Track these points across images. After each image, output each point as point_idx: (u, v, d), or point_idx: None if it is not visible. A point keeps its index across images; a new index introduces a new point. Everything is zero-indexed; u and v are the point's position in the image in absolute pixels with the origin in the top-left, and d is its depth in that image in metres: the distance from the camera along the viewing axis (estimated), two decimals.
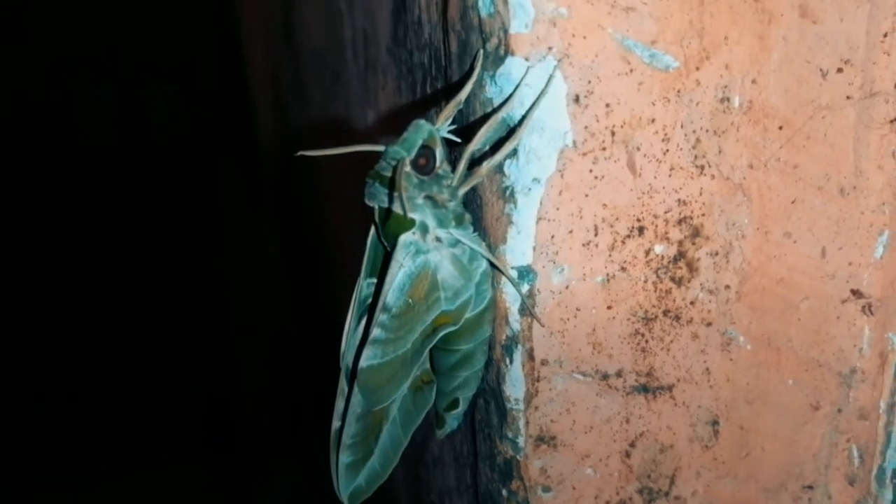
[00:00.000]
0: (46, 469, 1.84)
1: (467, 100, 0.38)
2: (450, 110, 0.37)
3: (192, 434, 1.90)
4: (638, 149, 0.37)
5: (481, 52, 0.37)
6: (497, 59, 0.36)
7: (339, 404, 0.38)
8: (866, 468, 0.44)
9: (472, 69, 0.37)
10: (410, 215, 0.34)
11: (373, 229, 0.38)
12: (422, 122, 0.35)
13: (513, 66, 0.36)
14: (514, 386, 0.40)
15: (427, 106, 0.48)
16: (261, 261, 2.23)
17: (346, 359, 0.38)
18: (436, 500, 0.58)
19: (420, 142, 0.35)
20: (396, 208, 0.35)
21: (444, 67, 0.43)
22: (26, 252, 2.33)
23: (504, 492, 0.43)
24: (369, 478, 0.39)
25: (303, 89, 1.04)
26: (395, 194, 0.34)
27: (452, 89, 0.41)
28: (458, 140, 0.37)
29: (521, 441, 0.41)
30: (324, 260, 1.07)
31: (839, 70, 0.38)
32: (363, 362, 0.36)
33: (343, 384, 0.38)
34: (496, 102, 0.37)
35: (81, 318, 2.27)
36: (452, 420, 0.41)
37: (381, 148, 0.36)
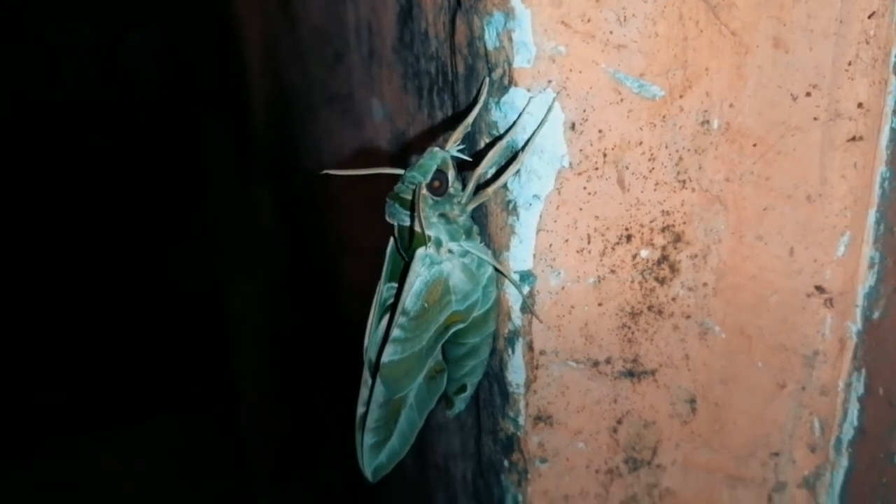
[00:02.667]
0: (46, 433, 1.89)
1: (474, 122, 0.42)
2: (459, 133, 0.41)
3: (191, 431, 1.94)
4: (627, 168, 0.41)
5: (487, 79, 0.41)
6: (502, 87, 0.41)
7: (364, 392, 0.43)
8: (826, 438, 0.50)
9: (478, 95, 0.41)
10: (427, 233, 0.39)
11: (392, 241, 0.42)
12: (436, 149, 0.40)
13: (516, 96, 0.40)
14: (516, 373, 0.45)
15: (434, 112, 0.52)
16: (252, 223, 2.26)
17: (369, 353, 0.43)
18: (440, 463, 0.64)
19: (435, 167, 0.39)
20: (415, 226, 0.40)
21: (450, 83, 0.47)
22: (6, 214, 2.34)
23: (506, 462, 0.49)
24: (390, 455, 0.44)
25: (301, 60, 1.07)
26: (415, 216, 0.38)
27: (459, 112, 0.45)
28: (467, 159, 0.42)
29: (521, 420, 0.46)
30: (320, 232, 1.11)
31: (808, 94, 0.42)
32: (385, 358, 0.41)
33: (366, 375, 0.43)
34: (500, 125, 0.41)
35: (57, 286, 2.29)
36: (461, 402, 0.46)
37: (400, 171, 0.40)
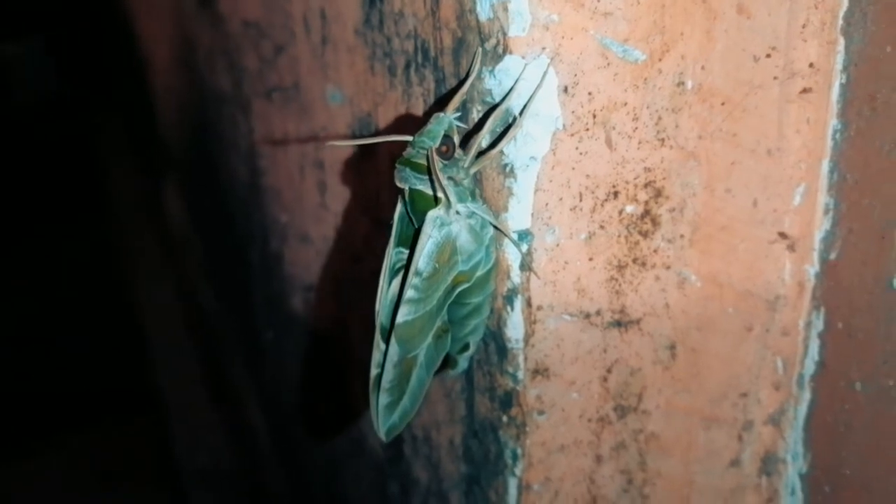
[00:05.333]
0: None
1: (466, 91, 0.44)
2: (456, 101, 0.43)
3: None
4: (614, 128, 0.44)
5: (480, 49, 0.43)
6: (496, 56, 0.43)
7: (376, 355, 0.45)
8: (788, 375, 0.54)
9: (472, 65, 0.44)
10: (444, 195, 0.41)
11: (399, 206, 0.44)
12: (442, 115, 0.42)
13: (511, 64, 0.42)
14: (515, 329, 0.48)
15: (411, 89, 0.54)
16: (161, 225, 2.21)
17: (381, 317, 0.45)
18: (419, 434, 0.66)
19: (442, 132, 0.41)
20: (426, 189, 0.42)
21: (433, 58, 0.49)
22: None
23: (504, 418, 0.51)
24: (402, 415, 0.46)
25: (229, 57, 1.07)
26: (434, 179, 0.40)
27: (445, 84, 0.47)
28: (465, 126, 0.44)
29: (520, 374, 0.49)
30: (254, 223, 1.11)
31: (768, 55, 0.46)
32: (400, 318, 0.43)
33: (378, 339, 0.45)
34: (494, 93, 0.44)
35: None
36: (464, 361, 0.48)
37: (408, 138, 0.42)
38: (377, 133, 0.60)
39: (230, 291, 1.51)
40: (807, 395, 0.54)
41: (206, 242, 1.71)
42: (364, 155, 0.66)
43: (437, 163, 0.41)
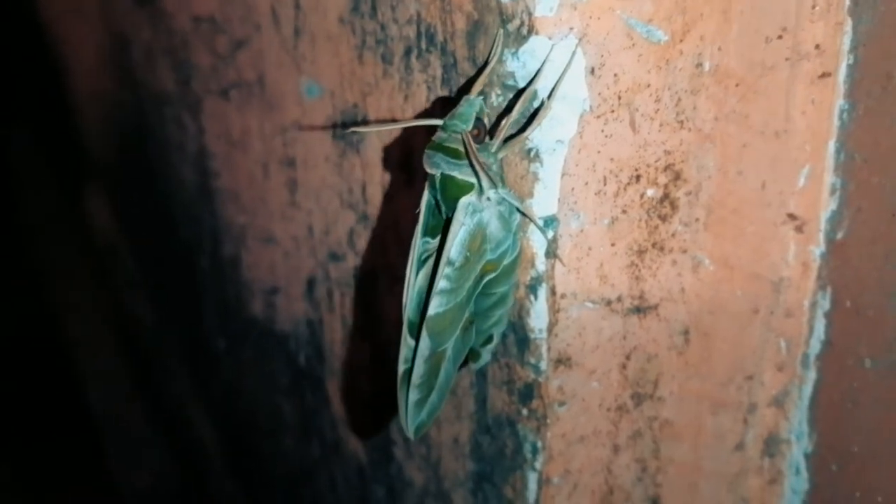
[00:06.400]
0: None
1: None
2: (479, 85, 0.42)
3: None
4: (637, 110, 0.44)
5: (502, 31, 0.42)
6: (520, 38, 0.42)
7: (404, 351, 0.43)
8: (791, 356, 0.55)
9: (493, 48, 0.42)
10: (482, 180, 0.40)
11: (427, 193, 0.42)
12: (472, 97, 0.40)
13: (537, 45, 0.41)
14: (538, 318, 0.46)
15: (411, 76, 0.52)
16: (86, 238, 2.12)
17: (408, 312, 0.43)
18: None
19: (474, 115, 0.40)
20: (459, 175, 0.40)
21: (441, 43, 0.48)
22: None
23: (524, 411, 0.50)
24: (430, 411, 0.44)
25: (175, 54, 1.03)
26: (472, 163, 0.39)
27: (460, 68, 0.46)
28: (486, 110, 0.43)
29: (542, 365, 0.48)
30: (204, 227, 1.07)
31: (779, 37, 0.46)
32: (431, 310, 0.41)
33: (405, 334, 0.43)
34: (517, 75, 0.43)
35: None
36: (487, 353, 0.47)
37: (438, 122, 0.41)
38: (366, 122, 0.58)
39: (171, 300, 1.45)
40: (812, 375, 0.55)
41: (141, 250, 1.64)
42: (347, 149, 0.64)
43: (473, 146, 0.39)
